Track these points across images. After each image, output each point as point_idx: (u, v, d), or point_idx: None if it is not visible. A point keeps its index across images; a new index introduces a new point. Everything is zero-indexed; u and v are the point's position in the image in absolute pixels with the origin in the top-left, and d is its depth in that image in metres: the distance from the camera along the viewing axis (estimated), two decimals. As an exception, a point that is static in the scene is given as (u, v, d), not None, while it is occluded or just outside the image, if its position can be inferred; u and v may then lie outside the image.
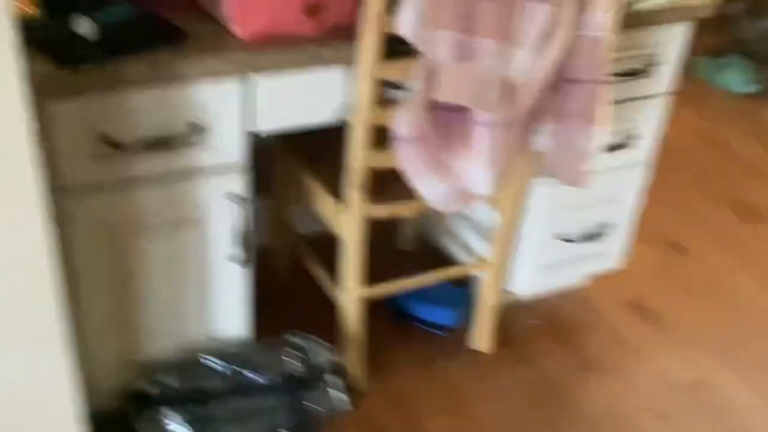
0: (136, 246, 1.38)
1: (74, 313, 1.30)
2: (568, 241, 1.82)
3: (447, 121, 1.32)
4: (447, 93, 1.25)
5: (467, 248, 1.91)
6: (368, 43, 1.30)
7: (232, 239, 1.44)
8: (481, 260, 1.80)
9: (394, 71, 1.34)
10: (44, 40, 1.21)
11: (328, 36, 1.35)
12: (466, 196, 1.42)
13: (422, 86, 1.27)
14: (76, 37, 1.21)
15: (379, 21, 1.27)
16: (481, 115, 1.30)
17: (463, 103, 1.26)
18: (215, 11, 1.34)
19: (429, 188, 1.41)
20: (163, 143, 1.29)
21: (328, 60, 1.34)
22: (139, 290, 1.43)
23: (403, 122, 1.33)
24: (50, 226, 1.08)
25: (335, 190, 1.56)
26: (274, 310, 1.90)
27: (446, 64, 1.23)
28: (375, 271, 1.65)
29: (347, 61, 1.36)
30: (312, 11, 1.33)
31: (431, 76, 1.25)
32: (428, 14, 1.20)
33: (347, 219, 1.52)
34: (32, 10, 1.23)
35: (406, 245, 2.20)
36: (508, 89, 1.26)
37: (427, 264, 1.82)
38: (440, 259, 2.18)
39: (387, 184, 1.49)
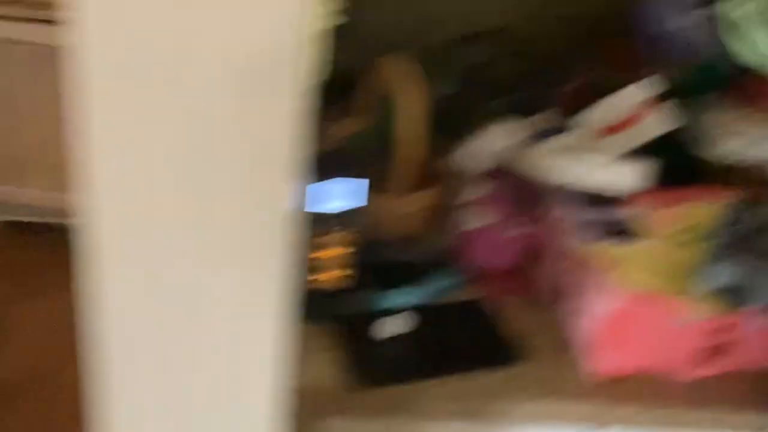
0: None
1: None
2: None
3: None
4: None
5: None
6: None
7: None
8: None
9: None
10: (341, 335, 0.93)
11: (721, 388, 0.93)
12: None
13: None
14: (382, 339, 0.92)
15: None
16: None
17: None
18: (568, 332, 0.96)
19: None
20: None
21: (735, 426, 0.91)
22: None
23: None
24: None
25: None
26: None
27: None
28: None
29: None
30: (710, 355, 0.92)
31: None
32: None
33: None
34: (340, 281, 0.95)
35: None
36: None
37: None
38: None
39: None
